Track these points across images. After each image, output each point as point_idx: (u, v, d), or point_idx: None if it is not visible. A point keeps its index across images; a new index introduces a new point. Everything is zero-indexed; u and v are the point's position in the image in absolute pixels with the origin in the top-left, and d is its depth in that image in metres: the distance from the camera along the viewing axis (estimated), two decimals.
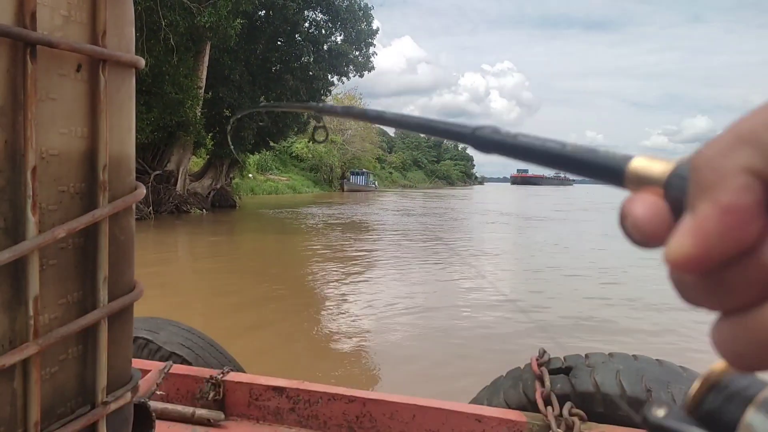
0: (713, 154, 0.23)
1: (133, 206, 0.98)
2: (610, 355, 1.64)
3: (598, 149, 0.32)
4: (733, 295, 0.24)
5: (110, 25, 0.87)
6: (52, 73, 0.80)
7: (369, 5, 26.60)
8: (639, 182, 0.28)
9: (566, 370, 1.61)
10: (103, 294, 0.90)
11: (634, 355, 1.65)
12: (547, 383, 1.57)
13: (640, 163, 0.28)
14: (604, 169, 0.31)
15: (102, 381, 0.91)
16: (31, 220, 0.76)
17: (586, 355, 1.66)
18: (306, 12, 24.61)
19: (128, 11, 0.92)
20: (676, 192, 0.25)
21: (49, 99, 0.80)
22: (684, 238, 0.23)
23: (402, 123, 0.54)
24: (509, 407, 1.65)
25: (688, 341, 5.72)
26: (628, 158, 0.29)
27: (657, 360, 1.64)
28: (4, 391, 0.76)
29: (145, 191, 1.00)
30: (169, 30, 16.54)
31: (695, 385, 0.30)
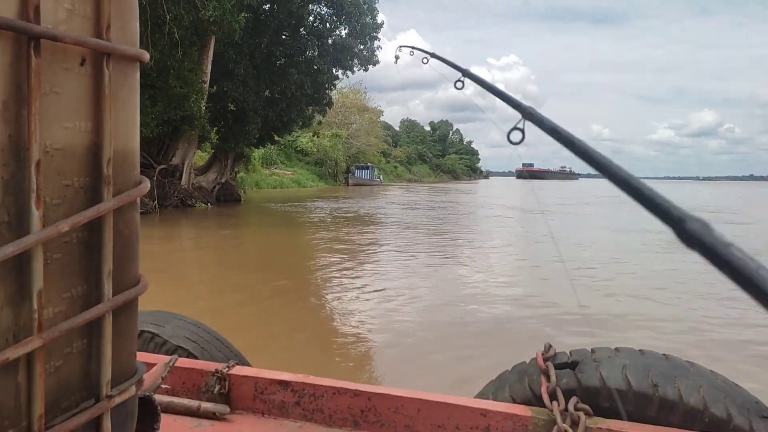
0: None
1: (138, 200, 0.98)
2: (617, 349, 1.63)
3: None
4: None
5: (114, 18, 0.86)
6: (56, 67, 0.80)
7: None
8: None
9: (572, 365, 1.60)
10: (108, 288, 0.90)
11: (640, 350, 1.64)
12: (553, 378, 1.56)
13: None
14: None
15: (106, 374, 0.91)
16: (35, 214, 0.76)
17: (592, 350, 1.65)
18: (310, 6, 24.57)
19: (133, 4, 0.92)
20: None
21: (53, 93, 0.79)
22: None
23: (610, 171, 0.51)
24: (515, 402, 1.64)
25: (696, 336, 5.71)
26: None
27: (663, 355, 1.63)
28: (8, 385, 0.76)
29: (149, 185, 0.99)
30: (173, 24, 16.53)
31: None
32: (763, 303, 0.31)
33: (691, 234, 0.38)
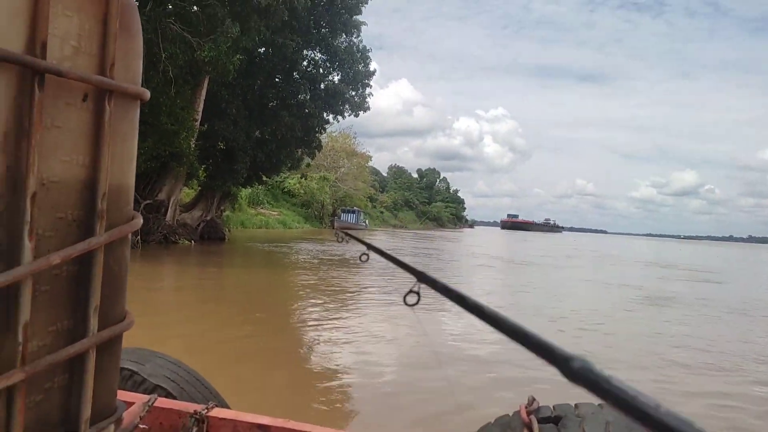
0: None
1: (129, 236, 0.98)
2: (600, 406, 1.62)
3: (694, 422, 0.33)
4: None
5: (119, 57, 0.88)
6: (59, 101, 0.81)
7: (367, 47, 27.08)
8: None
9: (555, 420, 1.59)
10: (94, 323, 0.89)
11: None
12: None
13: None
14: None
15: (86, 412, 0.89)
16: (27, 246, 0.76)
17: (576, 405, 1.64)
18: (305, 51, 24.99)
19: (137, 44, 0.94)
20: None
21: (54, 127, 0.80)
22: None
23: (498, 323, 0.57)
24: None
25: (678, 390, 5.69)
26: None
27: None
28: None
29: (141, 221, 1.00)
30: (168, 62, 16.71)
31: None
32: (644, 423, 0.35)
33: (576, 371, 0.42)
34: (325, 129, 29.44)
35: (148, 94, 0.95)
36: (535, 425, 1.56)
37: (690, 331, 9.65)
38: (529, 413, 1.62)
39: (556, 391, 5.18)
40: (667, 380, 6.21)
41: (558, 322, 9.39)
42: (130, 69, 0.93)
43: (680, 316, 11.27)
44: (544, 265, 24.38)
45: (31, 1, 0.74)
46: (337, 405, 4.84)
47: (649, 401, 0.35)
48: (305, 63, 25.59)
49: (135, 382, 1.88)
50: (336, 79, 26.57)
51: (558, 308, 11.01)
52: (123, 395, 1.63)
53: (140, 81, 0.95)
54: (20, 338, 0.76)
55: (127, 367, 1.90)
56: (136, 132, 0.97)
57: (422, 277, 0.82)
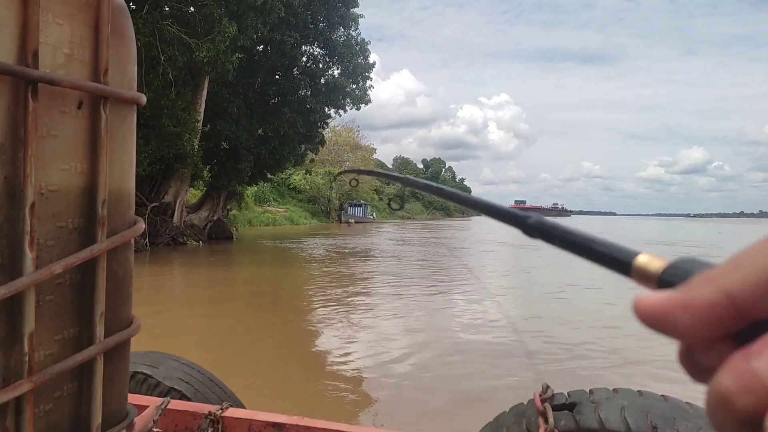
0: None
1: (132, 241, 0.97)
2: (615, 390, 1.61)
3: (616, 245, 0.39)
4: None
5: (112, 62, 0.87)
6: (54, 110, 0.80)
7: (366, 40, 27.00)
8: (641, 274, 0.35)
9: (570, 406, 1.58)
10: (100, 330, 0.89)
11: (639, 391, 1.62)
12: (551, 420, 1.54)
13: (644, 259, 0.35)
14: (618, 262, 0.37)
15: (96, 418, 0.89)
16: (29, 256, 0.76)
17: (591, 391, 1.62)
18: (304, 47, 24.95)
19: (131, 49, 0.93)
20: (665, 284, 0.33)
21: (50, 135, 0.80)
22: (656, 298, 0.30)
23: (469, 202, 0.65)
24: None
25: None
26: (636, 254, 0.36)
27: (662, 396, 1.60)
28: None
29: (144, 226, 0.99)
30: (167, 65, 16.71)
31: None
32: (587, 255, 0.40)
33: (532, 224, 0.48)
34: (327, 124, 29.41)
35: (144, 98, 0.94)
36: (550, 413, 1.55)
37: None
38: (543, 401, 1.61)
39: (570, 378, 5.18)
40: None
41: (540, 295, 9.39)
42: (124, 74, 0.92)
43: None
44: (548, 248, 24.42)
45: (21, 11, 0.74)
46: (354, 402, 4.85)
47: (591, 237, 0.40)
48: (304, 58, 25.54)
49: (149, 385, 1.89)
50: (336, 73, 26.51)
51: (552, 284, 11.02)
52: (137, 399, 1.63)
53: (135, 85, 0.94)
54: (26, 348, 0.76)
55: (140, 371, 1.91)
56: (134, 137, 0.96)
57: (406, 182, 0.94)
